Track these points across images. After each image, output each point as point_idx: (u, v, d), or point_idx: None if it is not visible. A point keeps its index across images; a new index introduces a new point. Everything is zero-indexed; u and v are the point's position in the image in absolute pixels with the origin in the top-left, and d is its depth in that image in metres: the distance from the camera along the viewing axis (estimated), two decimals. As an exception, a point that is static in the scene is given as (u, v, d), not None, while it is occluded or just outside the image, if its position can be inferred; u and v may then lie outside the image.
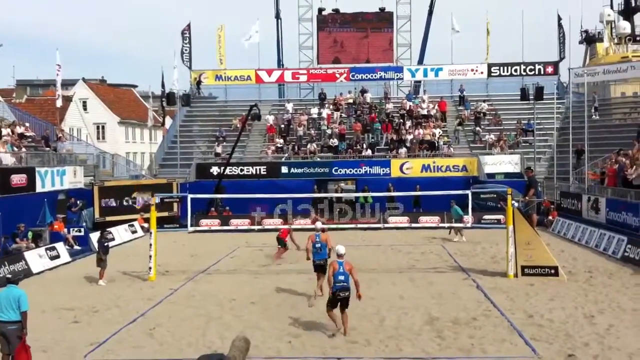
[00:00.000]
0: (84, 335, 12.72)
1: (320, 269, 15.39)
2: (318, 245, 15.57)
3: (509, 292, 16.05)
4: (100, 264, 18.01)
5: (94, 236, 24.07)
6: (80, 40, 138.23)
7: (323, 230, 16.44)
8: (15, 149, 26.99)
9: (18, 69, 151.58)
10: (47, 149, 29.72)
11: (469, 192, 21.28)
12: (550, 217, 27.96)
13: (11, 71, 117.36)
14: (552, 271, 17.52)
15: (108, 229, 20.60)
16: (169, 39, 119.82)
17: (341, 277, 12.33)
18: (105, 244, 18.28)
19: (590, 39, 53.22)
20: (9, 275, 10.92)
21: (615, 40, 49.94)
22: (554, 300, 15.10)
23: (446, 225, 26.44)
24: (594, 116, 30.38)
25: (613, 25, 50.44)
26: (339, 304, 12.43)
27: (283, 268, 20.06)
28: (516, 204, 18.60)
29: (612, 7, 52.32)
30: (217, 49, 43.57)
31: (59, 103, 32.65)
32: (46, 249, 21.19)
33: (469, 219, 22.64)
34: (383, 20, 44.43)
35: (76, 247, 24.29)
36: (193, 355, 10.96)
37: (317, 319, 13.57)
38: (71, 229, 25.31)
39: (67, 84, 52.99)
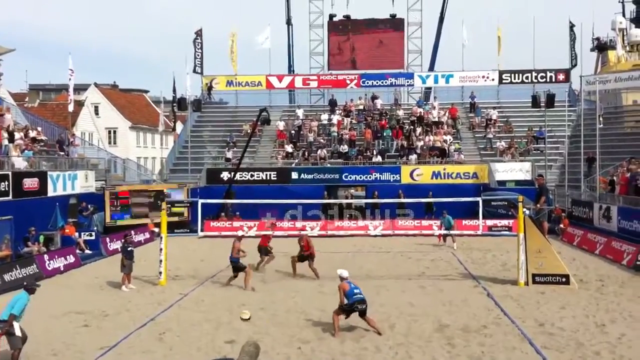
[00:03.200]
0: (94, 339, 12.76)
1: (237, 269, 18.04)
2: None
3: (519, 300, 15.98)
4: (123, 269, 18.07)
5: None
6: (92, 46, 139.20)
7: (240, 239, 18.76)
8: (32, 154, 27.15)
9: (31, 73, 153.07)
10: (62, 153, 29.90)
11: (479, 199, 21.23)
12: (561, 226, 27.81)
13: (24, 76, 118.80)
14: (563, 279, 17.44)
15: (129, 233, 20.62)
16: (181, 44, 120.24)
17: (357, 290, 13.11)
18: (129, 249, 18.33)
19: (602, 47, 53.10)
20: (25, 283, 11.36)
21: (627, 48, 49.76)
22: (565, 308, 15.02)
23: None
24: (600, 124, 30.34)
25: (625, 33, 50.29)
26: (355, 313, 13.07)
27: (292, 274, 20.07)
28: (527, 212, 18.53)
29: (624, 15, 52.26)
30: (229, 54, 43.76)
31: (71, 107, 32.87)
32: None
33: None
34: (394, 26, 44.49)
35: (87, 252, 24.38)
36: (203, 360, 11.00)
37: (327, 325, 13.57)
38: (82, 233, 25.41)
39: (79, 88, 53.39)
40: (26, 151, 26.71)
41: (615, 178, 27.94)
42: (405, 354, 11.73)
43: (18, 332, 10.95)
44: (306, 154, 37.53)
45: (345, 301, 13.03)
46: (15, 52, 36.53)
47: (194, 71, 42.69)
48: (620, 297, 16.22)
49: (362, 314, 13.09)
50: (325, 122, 40.43)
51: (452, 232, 25.04)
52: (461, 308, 15.19)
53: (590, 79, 40.20)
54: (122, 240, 19.13)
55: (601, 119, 30.91)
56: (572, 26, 41.01)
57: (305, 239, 19.76)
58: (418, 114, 40.26)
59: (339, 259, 21.34)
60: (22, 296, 11.02)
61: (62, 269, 20.87)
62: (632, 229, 23.85)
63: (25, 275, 18.66)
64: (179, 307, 15.77)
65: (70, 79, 31.72)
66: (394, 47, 44.34)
